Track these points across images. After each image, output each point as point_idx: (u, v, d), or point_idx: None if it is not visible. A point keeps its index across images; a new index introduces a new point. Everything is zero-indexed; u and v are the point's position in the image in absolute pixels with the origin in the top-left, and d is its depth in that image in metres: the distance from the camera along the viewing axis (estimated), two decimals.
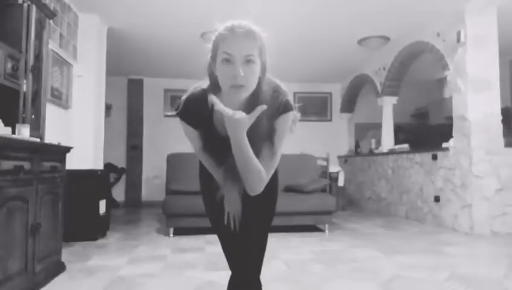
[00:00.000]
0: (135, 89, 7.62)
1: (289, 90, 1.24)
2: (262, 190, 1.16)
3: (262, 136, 1.13)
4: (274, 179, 1.30)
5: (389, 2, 4.23)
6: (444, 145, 4.58)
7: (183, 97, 1.22)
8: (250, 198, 1.21)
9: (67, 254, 3.10)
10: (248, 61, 1.07)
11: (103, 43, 4.81)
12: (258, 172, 1.11)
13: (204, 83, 1.22)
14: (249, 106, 1.08)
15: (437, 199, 4.72)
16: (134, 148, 7.53)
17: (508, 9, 4.34)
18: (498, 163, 4.21)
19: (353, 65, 6.86)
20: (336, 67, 7.02)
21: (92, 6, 4.32)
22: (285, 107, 1.16)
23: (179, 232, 4.17)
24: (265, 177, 1.14)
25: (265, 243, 1.37)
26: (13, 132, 2.32)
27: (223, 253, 1.48)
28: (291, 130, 1.25)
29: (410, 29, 5.06)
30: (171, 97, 7.76)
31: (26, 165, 2.16)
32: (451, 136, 4.51)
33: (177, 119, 1.20)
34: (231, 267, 1.35)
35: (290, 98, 1.21)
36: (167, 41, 5.48)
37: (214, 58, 1.12)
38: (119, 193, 7.35)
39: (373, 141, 6.90)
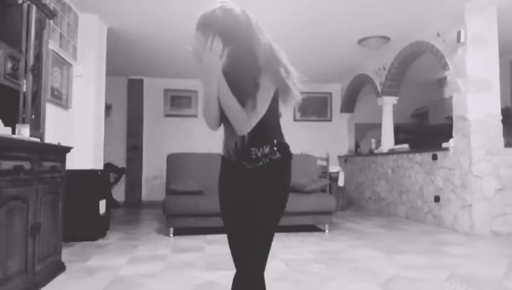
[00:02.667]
0: (135, 89, 7.62)
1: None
2: (247, 131, 1.28)
3: (247, 91, 1.27)
4: (285, 181, 1.50)
5: (389, 2, 4.23)
6: (444, 145, 4.58)
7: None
8: (256, 194, 1.35)
9: (67, 254, 3.10)
10: None
11: (103, 43, 4.81)
12: (237, 109, 1.26)
13: None
14: None
15: (437, 199, 4.72)
16: (134, 149, 7.53)
17: (508, 9, 4.34)
18: (498, 163, 4.21)
19: (353, 65, 6.86)
20: (336, 67, 7.02)
21: (92, 6, 4.32)
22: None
23: (179, 232, 4.17)
24: (246, 117, 1.26)
25: (268, 240, 1.38)
26: (13, 132, 2.32)
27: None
28: (284, 102, 1.38)
29: (410, 29, 5.06)
30: (171, 97, 7.76)
31: (26, 165, 2.16)
32: (451, 136, 4.50)
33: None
34: (235, 263, 1.38)
35: (285, 63, 1.40)
36: (167, 41, 5.48)
37: None
38: (119, 193, 7.35)
39: (373, 141, 6.90)
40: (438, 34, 4.74)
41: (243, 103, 1.27)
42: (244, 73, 1.29)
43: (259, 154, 1.38)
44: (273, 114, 1.36)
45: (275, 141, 1.43)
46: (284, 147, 1.49)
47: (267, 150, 1.40)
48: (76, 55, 4.42)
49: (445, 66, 4.65)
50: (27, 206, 2.19)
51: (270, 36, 1.41)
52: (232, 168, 1.44)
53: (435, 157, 4.78)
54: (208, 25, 1.28)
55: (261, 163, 1.39)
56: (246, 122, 1.27)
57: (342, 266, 2.88)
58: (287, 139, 1.55)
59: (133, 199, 7.40)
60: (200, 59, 1.28)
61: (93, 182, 3.95)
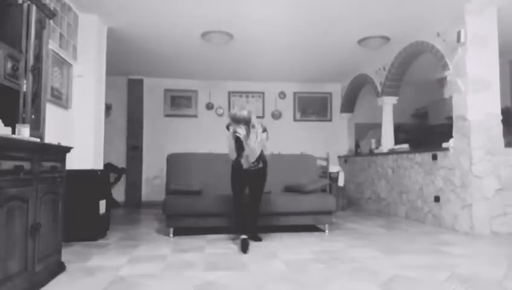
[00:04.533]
0: (135, 89, 7.63)
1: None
2: (253, 160, 3.62)
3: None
4: (265, 173, 3.79)
5: (389, 2, 4.23)
6: (444, 145, 4.58)
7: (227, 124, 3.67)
8: (254, 176, 3.72)
9: (67, 254, 3.10)
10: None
11: (103, 43, 4.81)
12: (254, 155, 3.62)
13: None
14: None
15: (437, 199, 4.72)
16: (134, 149, 7.53)
17: (508, 9, 4.34)
18: (498, 163, 4.21)
19: (353, 65, 6.86)
20: (336, 67, 7.02)
21: (92, 6, 4.32)
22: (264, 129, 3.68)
23: (179, 232, 4.17)
24: (255, 156, 3.61)
25: (262, 191, 3.83)
26: (13, 132, 2.32)
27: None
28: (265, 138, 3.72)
29: (410, 29, 5.06)
30: (171, 97, 7.76)
31: (26, 165, 2.16)
32: (451, 136, 4.50)
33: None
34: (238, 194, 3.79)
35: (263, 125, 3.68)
36: (167, 41, 5.49)
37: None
38: (119, 193, 7.35)
39: (373, 141, 6.90)
40: (438, 34, 4.74)
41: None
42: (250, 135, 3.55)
43: (254, 165, 3.67)
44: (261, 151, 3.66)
45: (260, 160, 3.70)
46: (264, 161, 3.76)
47: (257, 163, 3.68)
48: (76, 55, 4.42)
49: (445, 66, 4.65)
50: (27, 206, 2.19)
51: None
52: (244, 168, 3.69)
53: (435, 157, 4.79)
54: (237, 120, 3.53)
55: (256, 168, 3.69)
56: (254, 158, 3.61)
57: (342, 266, 2.88)
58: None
59: (133, 199, 7.40)
60: (237, 136, 3.54)
61: (93, 182, 3.95)
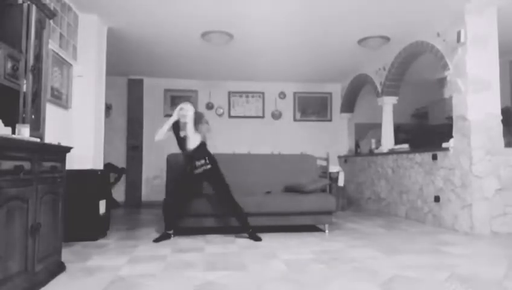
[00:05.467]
0: (135, 89, 7.63)
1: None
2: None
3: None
4: (218, 171, 3.99)
5: (389, 2, 4.23)
6: (444, 145, 4.58)
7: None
8: (209, 177, 3.99)
9: (67, 254, 3.10)
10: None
11: (103, 43, 4.81)
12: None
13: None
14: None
15: (437, 199, 4.72)
16: (134, 149, 7.53)
17: (508, 9, 4.34)
18: (498, 163, 4.21)
19: (353, 65, 6.86)
20: (336, 67, 7.02)
21: (92, 6, 4.32)
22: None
23: (179, 232, 4.17)
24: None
25: (227, 188, 3.95)
26: (13, 132, 2.32)
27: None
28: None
29: (410, 29, 5.06)
30: (171, 97, 7.76)
31: (26, 165, 2.16)
32: (451, 136, 4.50)
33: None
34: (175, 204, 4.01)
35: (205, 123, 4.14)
36: (167, 41, 5.49)
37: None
38: (119, 193, 7.35)
39: (373, 141, 6.90)
40: (438, 34, 4.74)
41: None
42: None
43: (202, 166, 3.93)
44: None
45: (207, 159, 3.96)
46: (213, 161, 3.98)
47: (204, 163, 3.94)
48: (76, 55, 4.42)
49: (445, 66, 4.65)
50: (27, 206, 2.19)
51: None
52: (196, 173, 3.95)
53: (435, 158, 4.78)
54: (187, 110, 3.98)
55: (202, 170, 3.93)
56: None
57: (342, 266, 2.88)
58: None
59: (133, 199, 7.40)
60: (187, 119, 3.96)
61: (93, 182, 3.95)
